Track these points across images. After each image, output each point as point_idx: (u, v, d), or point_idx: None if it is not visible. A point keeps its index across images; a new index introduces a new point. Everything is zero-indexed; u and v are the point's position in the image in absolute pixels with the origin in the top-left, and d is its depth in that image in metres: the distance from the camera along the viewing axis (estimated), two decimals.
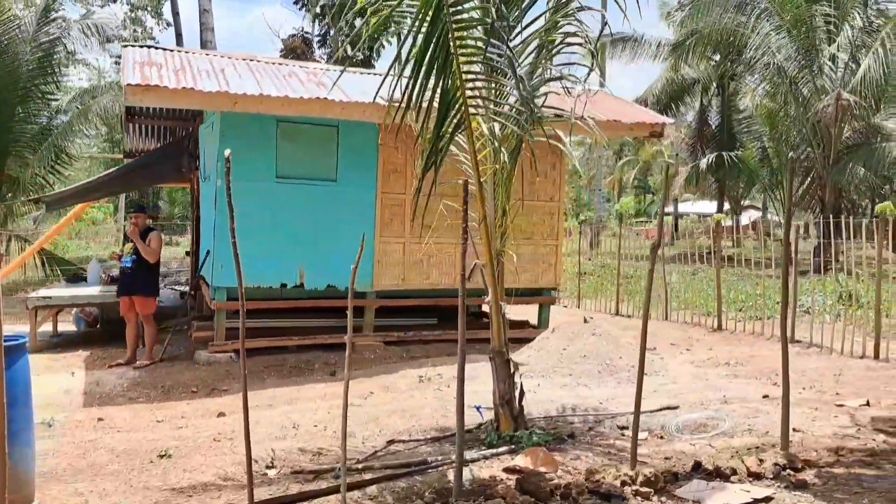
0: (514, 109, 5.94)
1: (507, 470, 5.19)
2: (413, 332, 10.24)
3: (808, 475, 4.97)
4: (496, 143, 5.82)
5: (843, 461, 5.30)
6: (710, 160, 27.35)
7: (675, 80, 28.69)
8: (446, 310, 10.06)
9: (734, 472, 4.94)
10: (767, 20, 22.16)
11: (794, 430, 6.01)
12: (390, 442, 6.06)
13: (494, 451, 5.63)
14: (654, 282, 12.70)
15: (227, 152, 4.12)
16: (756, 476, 4.92)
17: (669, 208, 52.09)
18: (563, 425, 6.43)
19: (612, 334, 9.10)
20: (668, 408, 6.94)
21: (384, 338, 10.18)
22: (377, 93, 5.38)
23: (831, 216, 16.83)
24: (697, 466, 5.04)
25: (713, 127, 31.00)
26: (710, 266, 13.74)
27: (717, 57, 27.81)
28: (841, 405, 6.94)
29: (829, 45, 21.77)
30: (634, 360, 8.47)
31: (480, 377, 7.80)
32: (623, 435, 6.16)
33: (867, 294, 10.77)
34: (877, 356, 9.30)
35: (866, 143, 21.87)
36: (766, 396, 7.24)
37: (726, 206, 37.35)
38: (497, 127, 5.87)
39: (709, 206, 42.73)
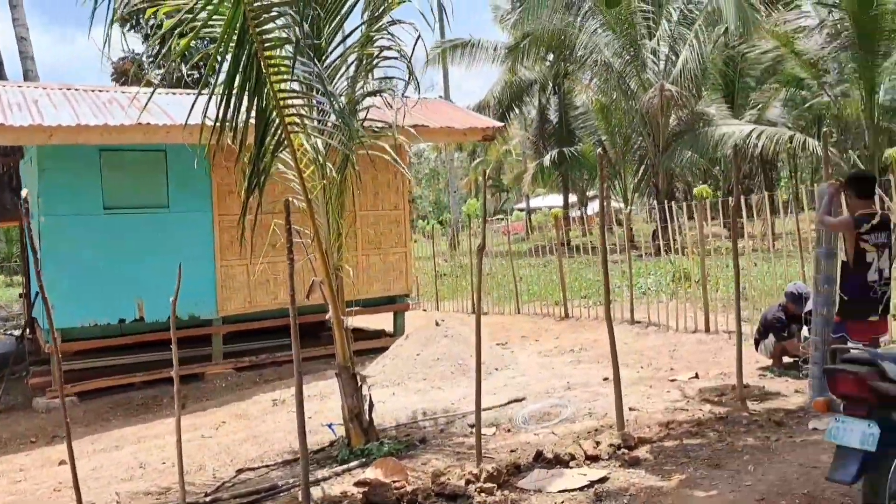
0: (336, 125, 5.95)
1: (357, 484, 5.17)
2: (266, 355, 10.04)
3: (641, 452, 5.27)
4: (321, 159, 5.80)
5: (673, 434, 5.65)
6: (552, 156, 28.45)
7: (514, 81, 29.61)
8: (299, 329, 9.94)
9: (573, 457, 5.16)
10: (593, 18, 23.30)
11: (630, 408, 6.36)
12: (240, 471, 5.92)
13: (346, 466, 5.61)
14: (506, 277, 12.92)
15: (24, 192, 3.91)
16: (593, 458, 5.16)
17: (521, 204, 53.75)
18: (415, 431, 6.49)
19: (463, 335, 9.28)
20: (516, 400, 7.16)
21: (235, 364, 9.93)
22: (189, 115, 5.25)
23: (665, 201, 17.91)
24: (539, 456, 5.23)
25: (553, 124, 32.22)
26: (564, 257, 14.28)
27: (551, 57, 28.92)
28: (673, 380, 7.40)
29: (650, 40, 23.15)
30: (485, 358, 8.66)
31: (336, 394, 7.73)
32: (473, 433, 6.28)
33: (697, 272, 11.52)
34: (707, 329, 9.97)
35: (691, 130, 23.40)
36: (606, 379, 7.59)
37: (573, 198, 38.98)
38: (320, 143, 5.86)
39: (558, 200, 44.38)
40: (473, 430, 6.38)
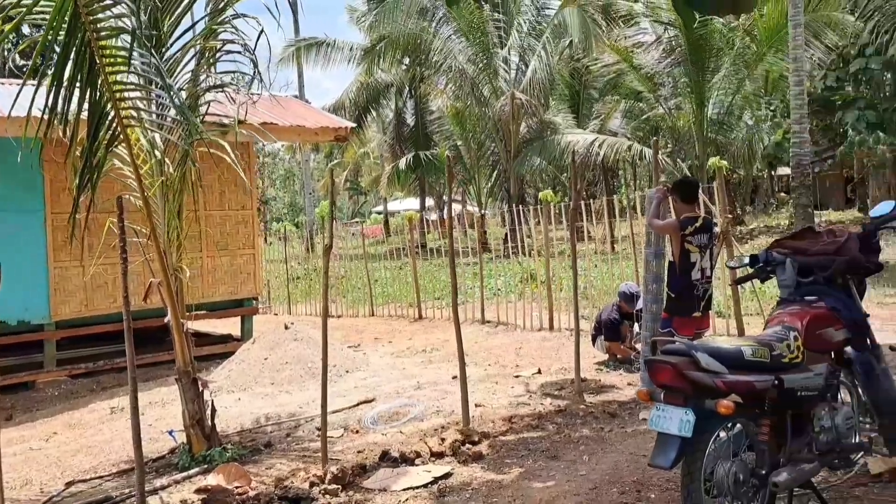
0: (176, 119, 5.74)
1: (198, 491, 5.00)
2: (103, 361, 9.50)
3: (484, 446, 5.41)
4: (159, 155, 5.57)
5: (515, 427, 5.84)
6: (408, 160, 28.69)
7: (371, 84, 29.61)
8: (141, 333, 9.48)
9: (418, 455, 5.23)
10: (447, 24, 23.72)
11: (476, 405, 6.52)
12: (69, 483, 5.57)
13: (186, 473, 5.41)
14: (361, 279, 12.78)
15: None
16: (438, 455, 5.25)
17: (379, 207, 53.81)
18: (261, 436, 6.36)
19: (313, 338, 9.17)
20: (366, 401, 7.16)
21: (70, 371, 9.34)
22: (14, 105, 4.91)
23: (516, 205, 18.47)
24: (385, 455, 5.26)
25: (410, 128, 32.50)
26: (419, 259, 14.40)
27: (407, 61, 29.17)
28: (518, 376, 7.65)
29: (502, 49, 23.85)
30: (336, 360, 8.65)
31: (179, 399, 7.45)
32: (320, 436, 6.23)
33: (543, 273, 11.97)
34: (551, 328, 10.38)
35: (540, 138, 24.30)
36: (455, 377, 7.73)
37: (430, 201, 39.49)
38: (158, 138, 5.63)
39: (416, 203, 44.83)
40: (320, 432, 6.37)
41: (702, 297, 6.21)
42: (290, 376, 8.36)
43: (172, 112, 5.63)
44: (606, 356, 8.07)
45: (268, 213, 54.87)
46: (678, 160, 21.58)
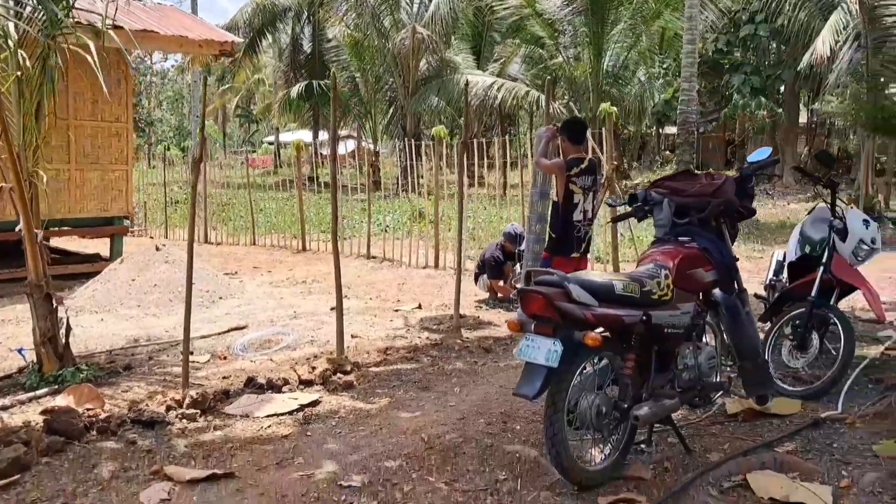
0: (36, 9, 5.19)
1: (45, 412, 4.67)
2: None
3: (355, 376, 5.29)
4: (12, 46, 5.03)
5: (390, 359, 5.75)
6: (300, 88, 27.78)
7: (267, 5, 28.29)
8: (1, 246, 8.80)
9: (286, 382, 5.06)
10: None
11: (352, 336, 6.39)
12: None
13: (33, 394, 5.03)
14: (245, 208, 12.28)
15: None
16: (307, 384, 5.10)
17: (271, 137, 52.22)
18: (121, 358, 6.02)
19: (184, 261, 8.74)
20: (237, 328, 6.91)
21: None
22: None
23: (413, 142, 18.21)
24: (250, 381, 5.07)
25: (307, 55, 31.42)
26: (307, 192, 13.97)
27: None
28: (398, 310, 7.56)
29: None
30: (209, 286, 8.31)
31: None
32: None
33: (432, 211, 11.89)
34: (436, 265, 10.34)
35: (439, 76, 23.97)
36: (333, 309, 7.58)
37: (325, 134, 38.59)
38: (13, 27, 5.08)
39: (309, 136, 43.75)
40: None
41: (582, 238, 6.25)
42: (159, 299, 7.97)
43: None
44: (487, 294, 8.09)
45: (153, 134, 52.36)
46: (574, 111, 21.80)
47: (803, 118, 31.73)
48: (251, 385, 5.02)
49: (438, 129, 10.74)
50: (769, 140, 31.30)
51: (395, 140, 31.13)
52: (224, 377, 5.44)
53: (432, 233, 11.46)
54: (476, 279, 8.15)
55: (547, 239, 6.42)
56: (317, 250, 12.20)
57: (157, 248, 8.73)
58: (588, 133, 6.67)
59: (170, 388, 5.10)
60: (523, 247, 7.75)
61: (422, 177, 13.77)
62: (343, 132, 39.16)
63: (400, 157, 28.77)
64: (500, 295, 8.00)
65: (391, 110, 26.29)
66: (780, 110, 26.28)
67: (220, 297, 8.30)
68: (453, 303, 7.59)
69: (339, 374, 5.29)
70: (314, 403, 4.76)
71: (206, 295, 8.25)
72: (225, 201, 16.26)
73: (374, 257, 11.30)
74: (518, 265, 8.00)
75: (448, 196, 11.05)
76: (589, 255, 6.74)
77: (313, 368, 5.29)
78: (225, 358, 6.11)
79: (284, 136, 49.70)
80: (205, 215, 14.44)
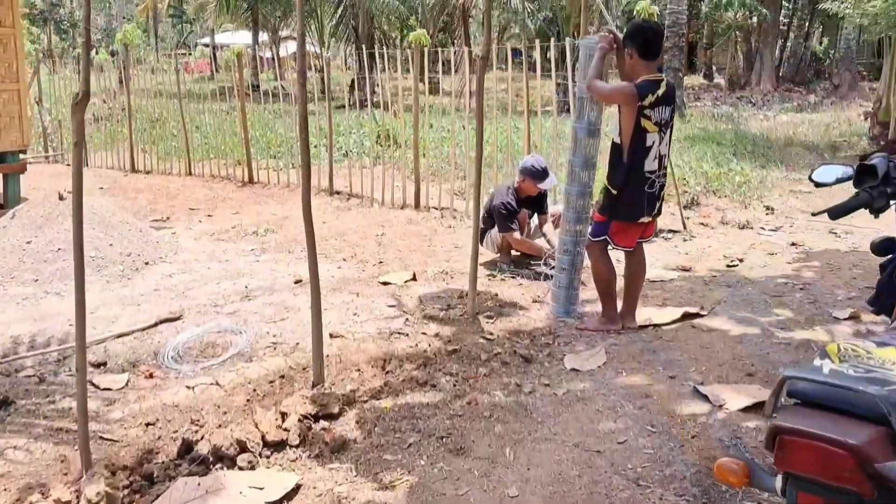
0: None
1: None
2: None
3: (349, 425, 3.50)
4: None
5: (393, 383, 3.93)
6: None
7: None
8: None
9: (243, 448, 3.24)
10: None
11: (332, 336, 4.56)
12: None
13: None
14: (178, 125, 9.83)
15: None
16: (276, 445, 3.29)
17: (206, 39, 48.44)
18: (4, 376, 4.12)
19: (99, 213, 6.73)
20: (169, 319, 5.01)
21: None
22: None
23: (365, 47, 15.91)
24: (187, 449, 3.24)
25: None
26: (250, 103, 11.68)
27: None
28: (386, 283, 5.71)
29: None
30: (134, 247, 6.34)
31: None
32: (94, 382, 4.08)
33: (405, 133, 9.88)
34: (417, 205, 8.45)
35: None
36: (298, 282, 5.71)
37: (265, 36, 35.37)
38: None
39: (248, 38, 40.37)
40: (95, 372, 4.22)
41: (656, 195, 4.45)
42: (64, 269, 5.95)
43: None
44: (497, 255, 6.26)
45: (78, 37, 48.17)
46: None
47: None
48: (188, 457, 3.19)
49: (418, 34, 8.60)
50: (744, 43, 29.52)
51: (345, 43, 28.44)
52: (148, 423, 3.59)
53: (408, 161, 9.53)
54: (482, 237, 6.23)
55: (602, 195, 4.60)
56: (267, 182, 10.14)
57: (61, 197, 6.63)
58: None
59: (64, 448, 3.26)
60: (547, 185, 5.93)
61: (381, 87, 11.67)
62: (284, 33, 36.00)
63: (347, 62, 26.12)
64: (514, 252, 6.19)
65: (339, 10, 23.58)
66: (764, 11, 24.40)
67: (147, 263, 6.33)
68: (455, 268, 5.81)
69: (322, 423, 3.50)
70: (294, 491, 2.98)
71: (128, 261, 6.27)
72: (156, 117, 13.87)
73: (338, 193, 9.34)
74: (548, 222, 6.18)
75: (402, 110, 9.01)
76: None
77: (283, 416, 3.46)
78: (151, 376, 4.24)
79: (221, 38, 46.07)
80: (129, 136, 12.14)
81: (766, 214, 7.65)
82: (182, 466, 3.14)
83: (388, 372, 4.06)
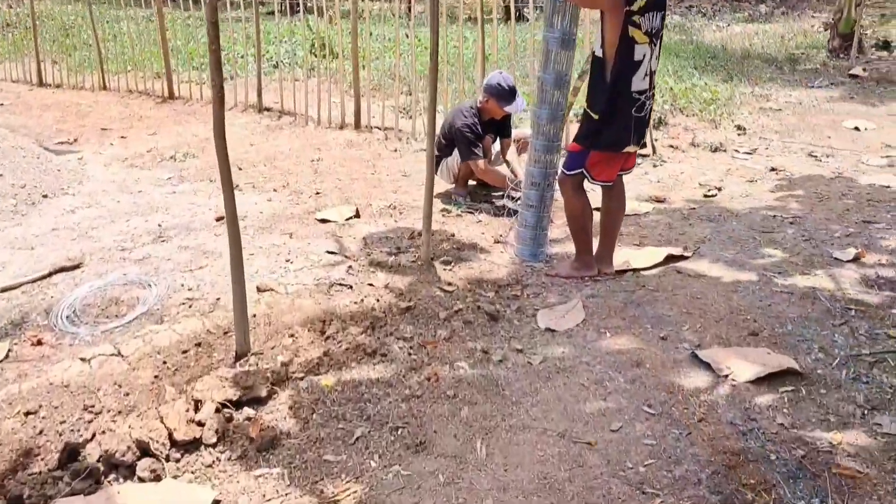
0: None
1: None
2: None
3: (280, 410, 2.84)
4: None
5: (334, 353, 3.25)
6: None
7: None
8: None
9: (145, 450, 2.56)
10: None
11: (259, 289, 3.84)
12: None
13: None
14: (89, 32, 8.41)
15: None
16: (187, 446, 2.61)
17: None
18: None
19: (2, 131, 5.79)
20: (66, 268, 4.21)
21: None
22: None
23: None
24: (71, 456, 2.54)
25: None
26: (170, 9, 10.38)
27: None
28: (325, 220, 4.96)
29: None
30: (24, 176, 5.47)
31: None
32: None
33: (343, 42, 8.91)
34: (357, 125, 7.61)
35: None
36: (220, 219, 4.92)
37: None
38: None
39: None
40: None
41: (644, 119, 3.78)
42: None
43: None
44: (453, 186, 5.54)
45: None
46: None
47: None
48: (71, 467, 2.49)
49: None
50: None
51: None
52: (28, 413, 2.87)
53: (346, 74, 8.62)
54: (436, 165, 5.47)
55: (582, 119, 3.90)
56: (189, 98, 9.10)
57: None
58: None
59: None
60: (515, 109, 5.19)
61: None
62: None
63: None
64: (471, 182, 5.49)
65: None
66: None
67: (45, 196, 5.44)
68: (402, 201, 5.13)
69: (247, 411, 2.82)
70: None
71: (22, 193, 5.38)
72: (69, 24, 12.47)
73: (268, 110, 8.40)
74: (508, 142, 5.46)
75: (337, 17, 8.02)
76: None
77: (197, 405, 2.77)
78: (39, 343, 3.49)
79: None
80: (35, 45, 10.83)
81: (739, 135, 7.06)
82: (65, 473, 2.45)
83: (328, 337, 3.38)
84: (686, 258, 4.25)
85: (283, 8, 11.69)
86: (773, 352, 3.19)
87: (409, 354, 3.23)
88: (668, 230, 4.76)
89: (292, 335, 3.38)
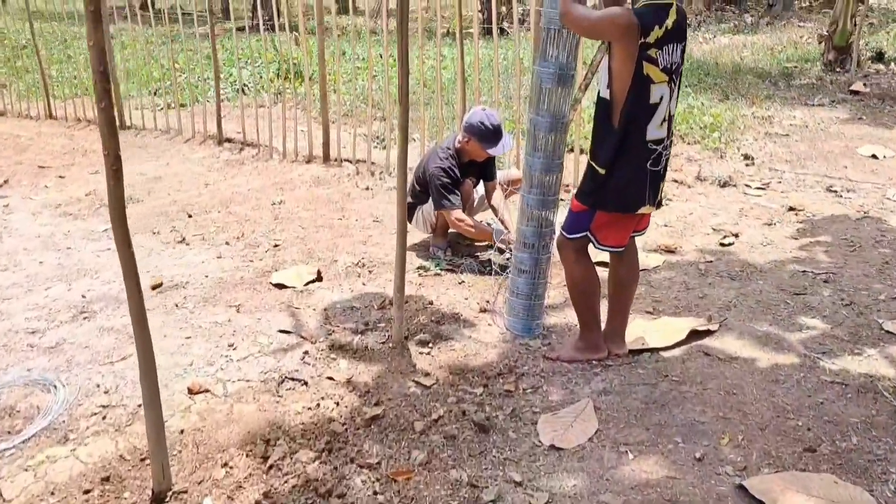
0: None
1: None
2: None
3: None
4: None
5: (278, 491, 2.52)
6: None
7: None
8: None
9: None
10: None
11: (191, 391, 3.10)
12: None
13: None
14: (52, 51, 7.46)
15: None
16: None
17: None
18: None
19: None
20: None
21: None
22: None
23: None
24: None
25: None
26: (125, 23, 9.48)
27: None
28: (280, 285, 4.20)
29: None
30: None
31: None
32: None
33: (312, 64, 8.20)
34: (326, 158, 6.88)
35: None
36: (157, 287, 4.17)
37: None
38: None
39: None
40: None
41: (661, 173, 3.08)
42: None
43: None
44: (430, 236, 4.81)
45: None
46: None
47: None
48: None
49: None
50: None
51: None
52: None
53: (314, 100, 7.91)
54: (410, 212, 4.75)
55: (586, 174, 3.20)
56: (141, 127, 8.32)
57: None
58: None
59: None
60: (501, 150, 4.48)
61: (285, 5, 9.86)
62: None
63: None
64: (450, 231, 4.77)
65: None
66: None
67: None
68: (373, 256, 4.42)
69: None
70: None
71: None
72: (20, 44, 11.62)
73: (229, 140, 7.65)
74: (493, 185, 4.74)
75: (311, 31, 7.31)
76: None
77: None
78: None
79: None
80: None
81: (747, 166, 6.39)
82: None
83: (272, 466, 2.64)
84: (712, 333, 3.55)
85: (255, 24, 10.94)
86: (840, 479, 2.49)
87: (375, 494, 2.49)
88: (684, 291, 4.06)
89: (226, 464, 2.64)
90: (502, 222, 4.66)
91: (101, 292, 4.13)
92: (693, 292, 4.05)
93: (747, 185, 5.89)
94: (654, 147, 2.99)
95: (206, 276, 4.28)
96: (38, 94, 9.47)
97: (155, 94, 9.33)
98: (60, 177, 6.56)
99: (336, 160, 6.84)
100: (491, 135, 4.36)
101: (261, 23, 7.97)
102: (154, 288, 4.12)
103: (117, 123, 8.25)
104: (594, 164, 3.07)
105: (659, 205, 3.17)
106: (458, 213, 4.45)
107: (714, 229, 4.99)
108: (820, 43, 12.89)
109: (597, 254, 3.30)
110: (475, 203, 4.78)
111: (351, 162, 6.75)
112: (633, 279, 3.41)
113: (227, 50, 11.08)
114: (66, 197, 5.95)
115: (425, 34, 7.46)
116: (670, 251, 4.63)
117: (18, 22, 11.41)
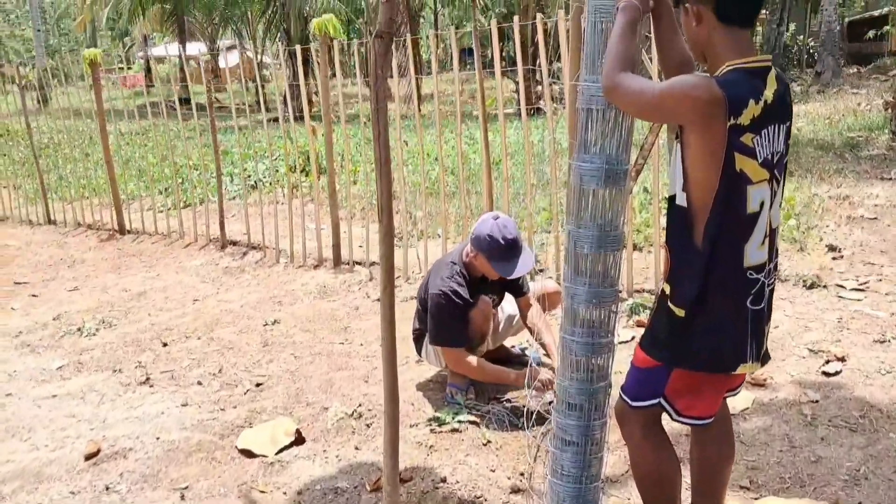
0: None
1: None
2: None
3: None
4: None
5: None
6: None
7: None
8: None
9: None
10: None
11: None
12: None
13: None
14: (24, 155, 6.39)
15: None
16: None
17: (140, 52, 45.61)
18: None
19: None
20: None
21: None
22: None
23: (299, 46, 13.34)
24: None
25: None
26: (174, 120, 8.83)
27: None
28: (249, 453, 3.22)
29: None
30: None
31: None
32: None
33: (324, 153, 7.42)
34: (337, 262, 6.00)
35: None
36: (92, 457, 3.23)
37: (202, 47, 32.65)
38: None
39: (191, 48, 37.71)
40: None
41: (764, 313, 2.08)
42: None
43: None
44: (444, 369, 3.80)
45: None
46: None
47: None
48: None
49: (324, 20, 6.08)
50: None
51: (279, 43, 25.75)
52: None
53: (325, 195, 7.09)
54: (417, 343, 3.77)
55: (656, 315, 2.20)
56: (140, 230, 7.56)
57: None
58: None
59: None
60: (516, 273, 3.47)
61: (316, 94, 9.22)
62: (226, 42, 33.23)
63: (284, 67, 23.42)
64: (468, 379, 3.71)
65: (270, 10, 20.99)
66: None
67: None
68: (379, 406, 3.44)
69: None
70: None
71: None
72: (45, 142, 11.10)
73: (233, 243, 6.84)
74: (527, 299, 3.73)
75: (342, 120, 6.59)
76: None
77: None
78: None
79: (160, 51, 43.41)
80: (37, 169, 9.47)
81: (834, 259, 5.33)
82: None
83: None
84: None
85: (287, 115, 10.23)
86: None
87: None
88: (789, 451, 2.97)
89: None
90: (544, 346, 3.66)
91: (23, 464, 3.20)
92: (801, 453, 2.96)
93: (840, 286, 4.80)
94: (755, 276, 2.00)
95: (158, 439, 3.33)
96: (37, 198, 8.87)
97: (166, 192, 8.65)
98: (33, 295, 5.77)
99: (347, 263, 5.95)
100: (503, 251, 3.38)
101: (291, 115, 7.13)
102: (88, 458, 3.18)
103: (116, 230, 7.53)
104: (671, 305, 2.08)
105: (765, 359, 2.15)
106: (459, 353, 3.44)
107: (810, 350, 3.90)
108: (886, 109, 11.86)
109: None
110: (501, 326, 3.80)
111: (364, 265, 5.85)
112: (728, 458, 2.36)
113: (250, 141, 10.46)
114: (30, 322, 5.12)
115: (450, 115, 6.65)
116: (759, 384, 3.55)
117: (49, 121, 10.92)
